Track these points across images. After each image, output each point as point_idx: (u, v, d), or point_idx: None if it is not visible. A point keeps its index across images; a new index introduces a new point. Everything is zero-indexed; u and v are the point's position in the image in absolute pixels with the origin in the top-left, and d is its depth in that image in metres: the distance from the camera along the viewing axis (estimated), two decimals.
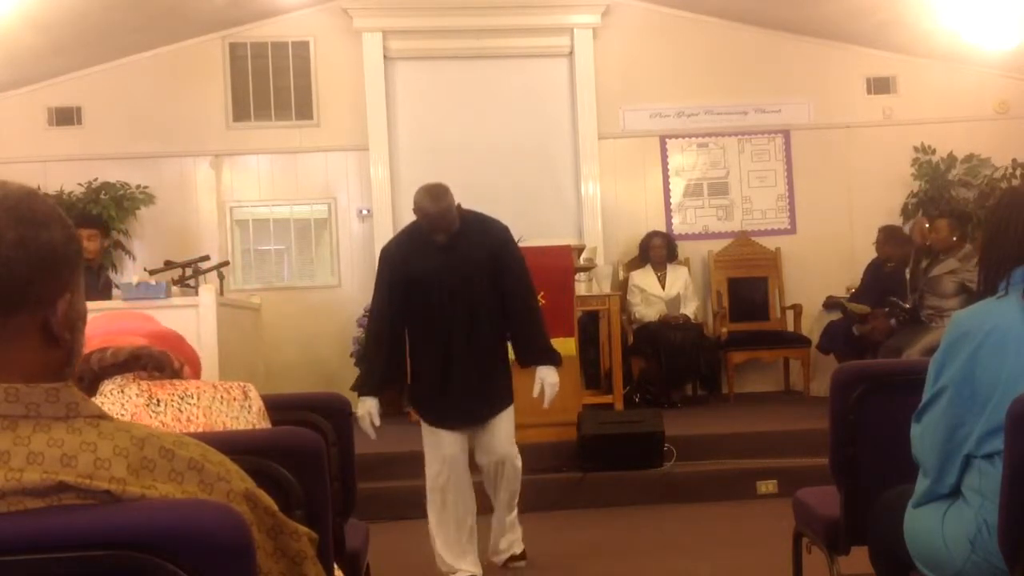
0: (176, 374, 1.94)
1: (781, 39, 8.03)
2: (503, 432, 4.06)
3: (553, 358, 4.10)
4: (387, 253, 4.10)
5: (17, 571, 1.00)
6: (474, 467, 4.18)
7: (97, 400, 1.86)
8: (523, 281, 4.08)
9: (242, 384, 1.97)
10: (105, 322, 2.02)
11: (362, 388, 4.12)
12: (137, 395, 1.86)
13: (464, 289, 3.96)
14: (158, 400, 1.85)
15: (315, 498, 1.72)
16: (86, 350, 1.91)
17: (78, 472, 1.03)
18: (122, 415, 1.82)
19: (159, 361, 1.91)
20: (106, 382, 1.91)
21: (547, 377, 4.07)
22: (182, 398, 1.87)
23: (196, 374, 2.05)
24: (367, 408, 4.01)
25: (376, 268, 4.21)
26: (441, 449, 4.03)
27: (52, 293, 1.08)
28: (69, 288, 1.10)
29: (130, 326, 1.98)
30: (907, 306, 6.29)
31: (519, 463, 4.13)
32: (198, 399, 1.88)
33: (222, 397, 1.90)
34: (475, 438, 4.11)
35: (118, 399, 1.86)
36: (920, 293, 6.16)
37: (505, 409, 4.07)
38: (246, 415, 1.90)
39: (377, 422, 4.02)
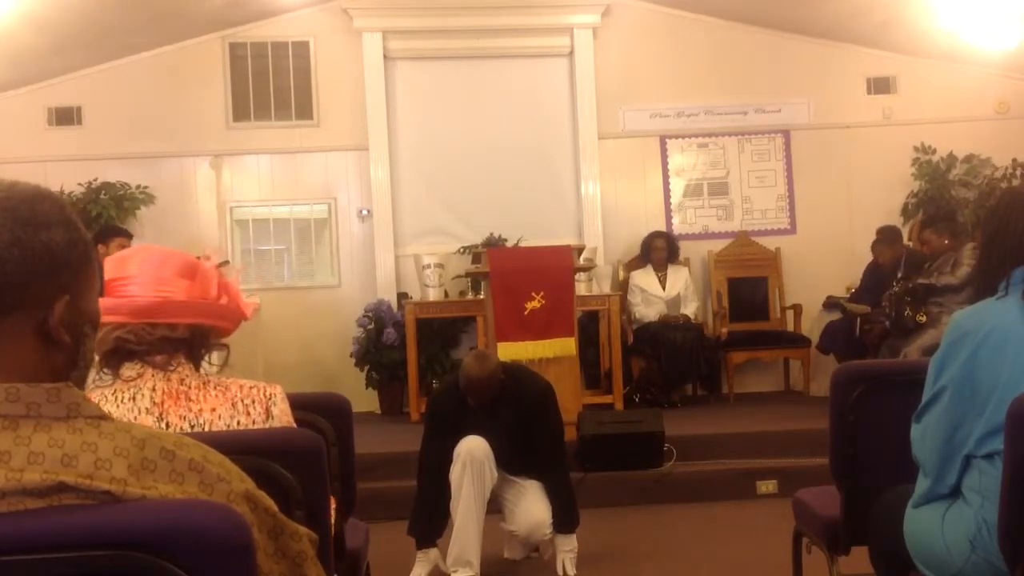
0: (171, 343, 1.84)
1: (781, 39, 8.03)
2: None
3: (570, 525, 4.15)
4: (434, 409, 4.28)
5: (17, 571, 1.00)
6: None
7: (110, 399, 1.82)
8: (556, 446, 4.20)
9: (267, 395, 1.88)
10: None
11: (421, 538, 4.09)
12: (148, 410, 1.81)
13: (503, 452, 4.09)
14: (167, 424, 1.80)
15: (315, 498, 1.72)
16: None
17: (78, 472, 1.03)
18: None
19: (141, 342, 1.82)
20: (124, 370, 1.83)
21: (562, 545, 4.14)
22: (192, 425, 1.80)
23: (225, 321, 1.98)
24: (426, 568, 4.05)
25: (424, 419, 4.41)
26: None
27: (48, 295, 1.08)
28: (70, 290, 1.10)
29: (112, 303, 1.83)
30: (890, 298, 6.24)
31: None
32: (210, 428, 1.80)
33: (239, 423, 1.83)
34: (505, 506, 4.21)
35: (129, 408, 1.80)
36: (919, 289, 6.14)
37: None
38: None
39: None
